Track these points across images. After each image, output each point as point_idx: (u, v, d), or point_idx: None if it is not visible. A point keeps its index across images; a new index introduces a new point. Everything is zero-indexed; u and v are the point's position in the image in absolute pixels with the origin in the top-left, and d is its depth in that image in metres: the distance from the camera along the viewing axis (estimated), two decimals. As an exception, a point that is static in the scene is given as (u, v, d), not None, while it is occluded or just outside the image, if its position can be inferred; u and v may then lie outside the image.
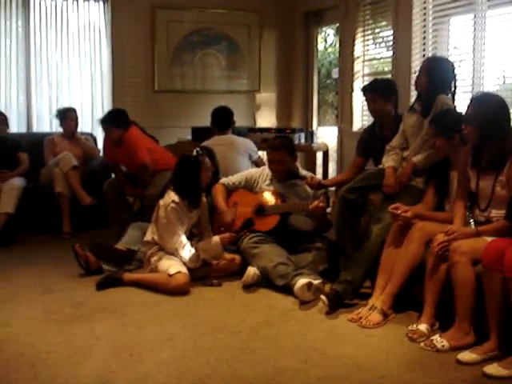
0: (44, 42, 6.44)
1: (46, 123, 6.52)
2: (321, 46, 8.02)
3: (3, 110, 5.94)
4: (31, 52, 6.37)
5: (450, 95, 3.83)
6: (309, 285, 3.64)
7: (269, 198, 4.32)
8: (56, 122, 6.01)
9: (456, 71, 3.92)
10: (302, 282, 3.65)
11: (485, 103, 3.21)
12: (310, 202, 4.05)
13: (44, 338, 3.18)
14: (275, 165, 4.38)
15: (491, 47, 4.54)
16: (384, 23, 5.81)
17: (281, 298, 3.78)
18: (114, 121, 5.19)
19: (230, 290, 3.95)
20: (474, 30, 4.63)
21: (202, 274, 4.09)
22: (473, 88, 4.63)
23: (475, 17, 4.61)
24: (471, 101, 3.26)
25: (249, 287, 3.94)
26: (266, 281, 3.95)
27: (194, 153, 4.11)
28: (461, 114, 3.50)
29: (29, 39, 6.35)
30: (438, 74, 3.81)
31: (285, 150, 4.38)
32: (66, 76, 6.57)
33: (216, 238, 4.10)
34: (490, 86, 4.65)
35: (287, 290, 3.77)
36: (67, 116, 5.82)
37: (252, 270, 3.94)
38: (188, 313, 3.58)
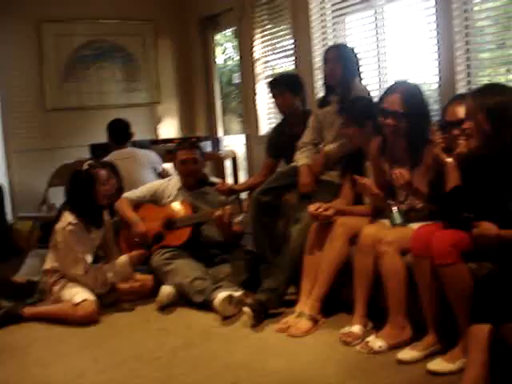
0: None
1: None
2: (221, 58, 7.90)
3: None
4: None
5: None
6: (230, 298, 3.38)
7: (178, 209, 4.03)
8: None
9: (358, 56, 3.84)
10: (221, 295, 3.39)
11: (415, 96, 3.07)
12: (213, 209, 3.80)
13: None
14: (190, 165, 4.12)
15: (392, 42, 4.49)
16: (282, 23, 5.66)
17: (201, 316, 3.49)
18: None
19: (145, 314, 3.62)
20: (376, 26, 4.56)
21: (111, 299, 3.74)
22: (380, 85, 4.54)
23: (376, 12, 4.55)
24: (395, 90, 3.08)
25: (165, 308, 3.63)
26: (182, 299, 3.66)
27: (86, 166, 3.77)
28: (372, 100, 3.37)
29: None
30: (349, 61, 3.71)
31: (198, 149, 4.21)
32: None
33: (124, 258, 3.77)
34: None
35: (207, 306, 3.48)
36: None
37: (167, 289, 3.64)
38: (99, 344, 3.22)
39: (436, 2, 3.92)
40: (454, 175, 2.68)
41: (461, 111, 2.71)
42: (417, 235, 2.72)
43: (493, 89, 2.58)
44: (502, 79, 3.96)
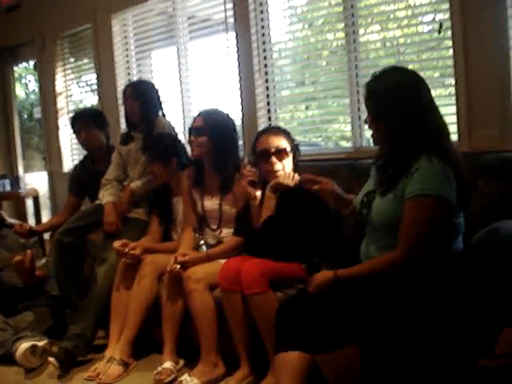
0: None
1: None
2: (22, 91, 7.47)
3: None
4: None
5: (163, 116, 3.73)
6: (33, 348, 3.15)
7: (-29, 256, 3.69)
8: None
9: (159, 92, 3.81)
10: (24, 346, 3.14)
11: (217, 116, 3.17)
12: (12, 254, 3.54)
13: None
14: None
15: (196, 78, 4.57)
16: (85, 56, 5.53)
17: (2, 371, 3.19)
18: None
19: None
20: (179, 63, 4.61)
21: None
22: (184, 121, 4.58)
23: (178, 50, 4.61)
24: (200, 114, 3.17)
25: (-41, 366, 3.26)
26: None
27: None
28: (176, 136, 3.37)
29: None
30: (148, 97, 3.68)
31: None
32: None
33: None
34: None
35: (8, 359, 3.19)
36: None
37: (-40, 345, 3.28)
38: None
39: (237, 41, 4.06)
40: (268, 206, 2.76)
41: (272, 142, 2.82)
42: (225, 269, 2.73)
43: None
44: (302, 115, 4.18)
